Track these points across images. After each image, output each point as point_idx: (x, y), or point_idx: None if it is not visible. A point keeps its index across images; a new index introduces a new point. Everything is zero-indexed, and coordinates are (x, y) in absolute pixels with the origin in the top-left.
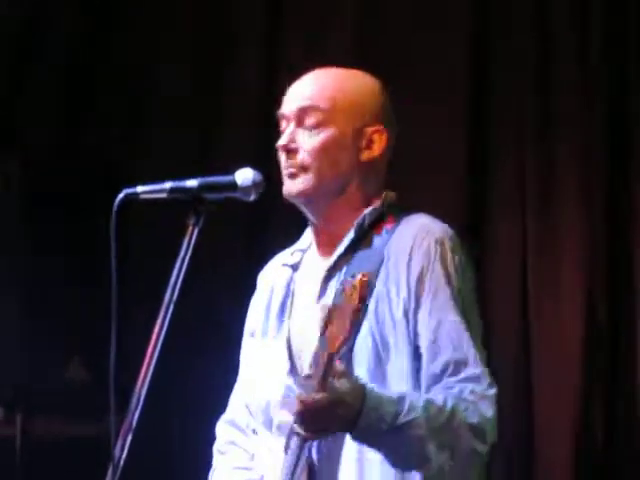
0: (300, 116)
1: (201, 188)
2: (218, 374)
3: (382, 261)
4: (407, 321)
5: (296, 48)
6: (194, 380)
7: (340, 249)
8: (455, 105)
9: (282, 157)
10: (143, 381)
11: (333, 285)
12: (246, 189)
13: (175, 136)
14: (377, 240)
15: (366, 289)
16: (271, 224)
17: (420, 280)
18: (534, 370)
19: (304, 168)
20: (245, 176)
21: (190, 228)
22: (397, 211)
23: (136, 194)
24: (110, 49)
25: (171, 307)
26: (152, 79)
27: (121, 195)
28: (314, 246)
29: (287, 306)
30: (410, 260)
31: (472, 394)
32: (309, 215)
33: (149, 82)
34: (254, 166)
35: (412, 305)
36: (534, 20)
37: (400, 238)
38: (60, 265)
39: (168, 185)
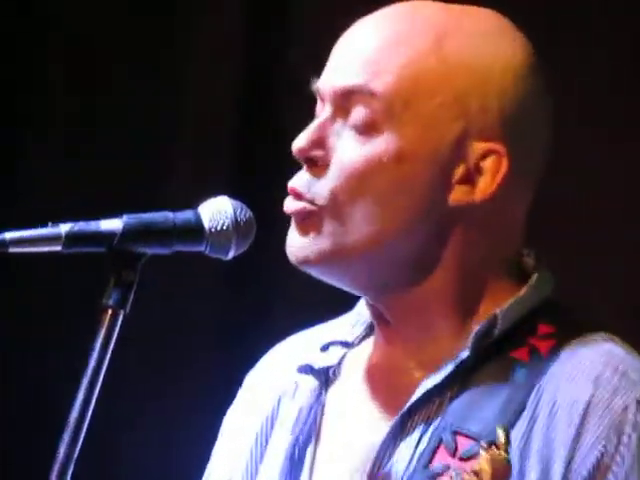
0: (342, 101)
1: (131, 234)
2: None
3: (521, 411)
4: None
5: None
6: None
7: (435, 378)
8: None
9: (302, 169)
10: None
11: (410, 443)
12: (219, 237)
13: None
14: (515, 369)
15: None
16: (271, 289)
17: (595, 473)
18: None
19: (323, 202)
20: (217, 212)
21: (108, 314)
22: (557, 315)
23: (2, 244)
24: None
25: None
26: None
27: None
28: (377, 343)
29: (305, 457)
30: (582, 427)
31: None
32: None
33: None
34: (233, 194)
35: None
36: None
37: (565, 376)
38: None
39: (64, 229)
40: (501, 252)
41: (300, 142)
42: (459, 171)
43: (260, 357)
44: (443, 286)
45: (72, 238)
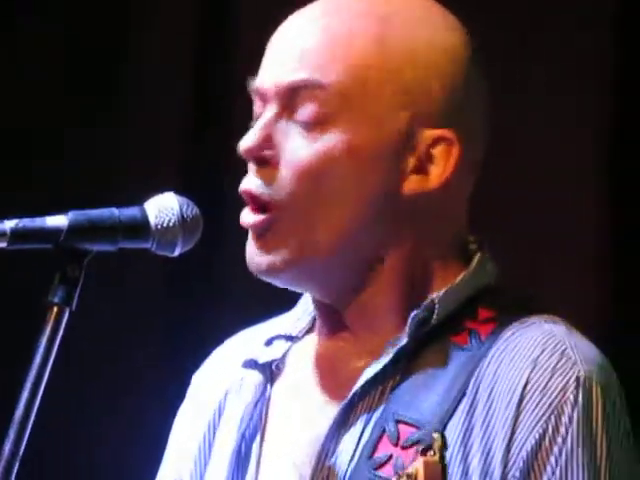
0: (287, 98)
1: (76, 231)
2: None
3: (461, 397)
4: None
5: None
6: None
7: (376, 366)
8: None
9: (249, 171)
10: None
11: (354, 434)
12: (166, 234)
13: None
14: (456, 354)
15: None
16: (219, 286)
17: (535, 454)
18: None
19: (282, 207)
20: (163, 208)
21: (54, 311)
22: (498, 300)
23: None
24: None
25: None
26: None
27: None
28: (321, 336)
29: (251, 452)
30: (520, 409)
31: None
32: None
33: None
34: (179, 189)
35: None
36: None
37: (503, 358)
38: None
39: (9, 225)
40: (449, 241)
41: (247, 142)
42: (411, 161)
43: (207, 354)
44: (394, 278)
45: (17, 235)
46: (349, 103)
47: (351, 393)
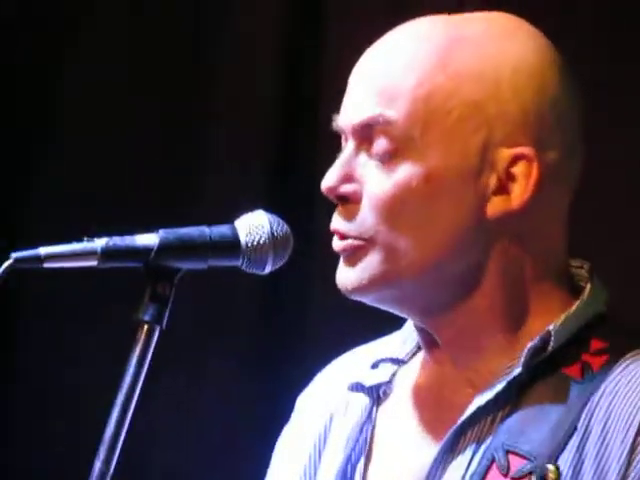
0: (363, 134)
1: (166, 249)
2: None
3: (572, 432)
4: None
5: None
6: None
7: (488, 394)
8: None
9: (337, 209)
10: None
11: (462, 462)
12: (256, 251)
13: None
14: (567, 387)
15: None
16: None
17: None
18: None
19: (367, 239)
20: (254, 226)
21: (145, 329)
22: (610, 330)
23: (37, 259)
24: None
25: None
26: None
27: (7, 264)
28: (426, 363)
29: (356, 475)
30: (635, 445)
31: None
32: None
33: None
34: (268, 207)
35: None
36: None
37: (617, 392)
38: None
39: (100, 244)
40: (545, 263)
41: (329, 181)
42: (491, 182)
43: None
44: (490, 302)
45: (108, 253)
46: (420, 133)
47: (461, 420)
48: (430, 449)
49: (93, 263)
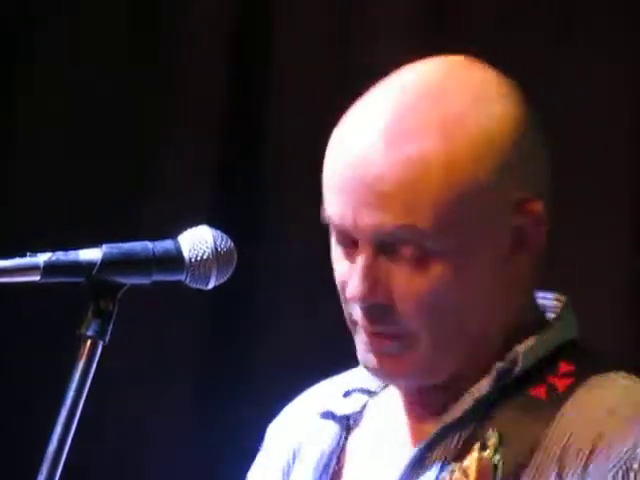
0: (385, 241)
1: (110, 264)
2: None
3: (535, 449)
4: None
5: None
6: None
7: (455, 411)
8: None
9: (363, 314)
10: None
11: (429, 478)
12: (200, 266)
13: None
14: (532, 407)
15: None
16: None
17: None
18: None
19: (410, 337)
20: (197, 241)
21: (87, 344)
22: (578, 354)
23: None
24: None
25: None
26: None
27: None
28: (401, 401)
29: None
30: (589, 460)
31: None
32: None
33: None
34: (211, 222)
35: None
36: None
37: (579, 411)
38: None
39: (42, 259)
40: (531, 294)
41: (358, 292)
42: (508, 239)
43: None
44: (485, 341)
45: (50, 268)
46: (450, 232)
47: (428, 438)
48: (397, 471)
49: (36, 278)
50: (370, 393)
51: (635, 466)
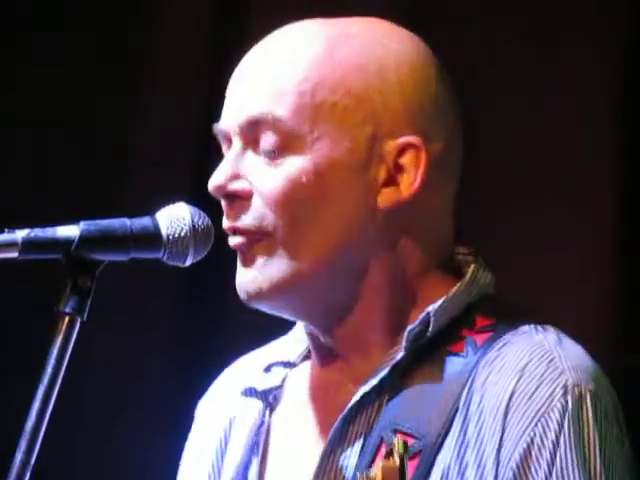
0: (249, 132)
1: (88, 241)
2: None
3: (455, 411)
4: None
5: None
6: None
7: (372, 381)
8: None
9: (224, 209)
10: None
11: (353, 447)
12: (177, 244)
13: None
14: (451, 363)
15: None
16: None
17: (524, 463)
18: None
19: (264, 233)
20: (175, 219)
21: (65, 321)
22: (496, 309)
23: None
24: None
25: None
26: None
27: None
28: (314, 367)
29: (252, 471)
30: (506, 420)
31: None
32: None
33: None
34: (190, 199)
35: None
36: None
37: (492, 369)
38: None
39: (20, 235)
40: (432, 254)
41: (216, 180)
42: (381, 174)
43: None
44: (379, 299)
45: (28, 245)
46: (308, 127)
47: (347, 407)
48: (321, 446)
49: (14, 254)
50: (290, 365)
51: (555, 416)
